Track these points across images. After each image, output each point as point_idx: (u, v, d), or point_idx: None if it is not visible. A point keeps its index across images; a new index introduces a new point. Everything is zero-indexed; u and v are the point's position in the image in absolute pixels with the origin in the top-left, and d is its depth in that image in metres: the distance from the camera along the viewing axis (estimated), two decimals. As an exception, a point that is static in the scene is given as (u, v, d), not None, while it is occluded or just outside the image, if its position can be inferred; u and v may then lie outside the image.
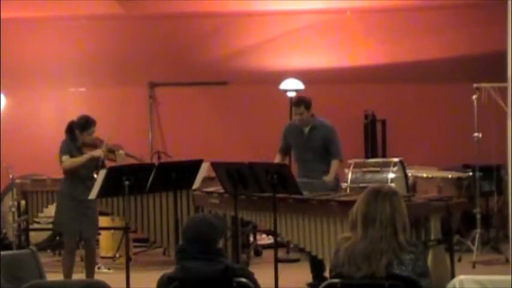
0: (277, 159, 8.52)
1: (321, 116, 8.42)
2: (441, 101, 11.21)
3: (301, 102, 8.31)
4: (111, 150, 8.11)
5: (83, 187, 7.85)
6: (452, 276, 6.66)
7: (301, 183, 7.74)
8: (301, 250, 8.20)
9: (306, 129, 8.34)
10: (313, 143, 8.31)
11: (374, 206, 4.29)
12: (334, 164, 8.24)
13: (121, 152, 8.22)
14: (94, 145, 7.97)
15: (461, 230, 9.78)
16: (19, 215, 9.62)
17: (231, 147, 10.93)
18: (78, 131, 7.90)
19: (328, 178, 8.13)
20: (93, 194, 7.57)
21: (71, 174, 7.94)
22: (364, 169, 9.36)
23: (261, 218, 7.76)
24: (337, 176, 8.40)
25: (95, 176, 7.99)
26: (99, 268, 9.04)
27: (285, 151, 8.62)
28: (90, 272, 8.08)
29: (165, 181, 7.70)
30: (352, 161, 9.48)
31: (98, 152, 7.90)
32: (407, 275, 4.21)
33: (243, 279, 4.37)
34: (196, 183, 8.16)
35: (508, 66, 7.15)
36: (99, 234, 9.91)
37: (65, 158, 7.88)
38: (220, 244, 4.45)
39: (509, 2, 7.14)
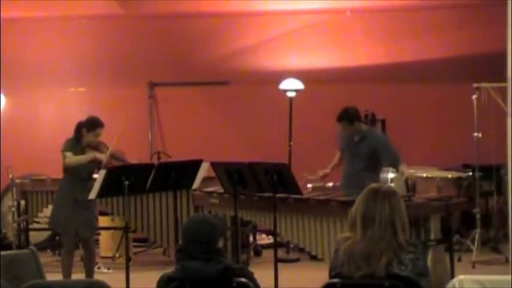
0: (335, 157, 8.37)
1: (320, 116, 8.35)
2: (441, 101, 11.21)
3: (342, 117, 8.00)
4: (116, 157, 8.08)
5: (81, 187, 7.85)
6: (452, 276, 6.66)
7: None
8: (301, 250, 8.19)
9: (357, 138, 8.09)
10: (360, 152, 8.06)
11: (373, 206, 4.29)
12: (402, 168, 7.97)
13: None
14: (98, 148, 7.97)
15: (461, 230, 9.78)
16: (19, 215, 9.62)
17: (231, 147, 10.93)
18: (85, 129, 7.91)
19: (401, 171, 7.94)
20: (93, 194, 7.57)
21: (71, 174, 7.93)
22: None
23: (261, 218, 7.76)
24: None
25: (95, 175, 8.01)
26: (99, 268, 9.05)
27: (342, 152, 8.37)
28: (89, 272, 8.08)
29: (165, 181, 7.70)
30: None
31: (102, 156, 7.86)
32: (406, 274, 4.21)
33: (243, 279, 4.36)
34: (196, 183, 8.16)
35: (508, 66, 7.15)
36: (99, 234, 9.92)
37: (69, 154, 7.88)
38: (220, 244, 4.45)
39: (509, 2, 7.14)
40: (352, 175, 8.06)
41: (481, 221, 9.38)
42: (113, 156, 8.00)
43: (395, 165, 8.12)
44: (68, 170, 7.98)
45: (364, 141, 8.08)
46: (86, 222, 7.96)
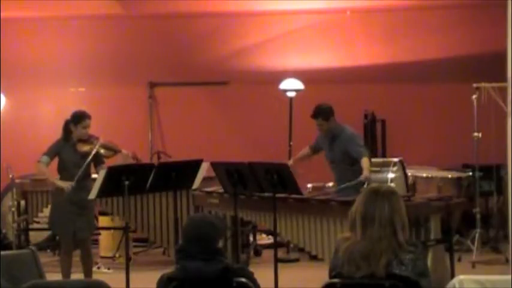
0: (303, 150, 8.47)
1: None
2: (441, 101, 11.20)
3: (318, 114, 8.06)
4: (109, 148, 8.05)
5: (77, 187, 7.82)
6: (452, 276, 6.66)
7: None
8: (301, 250, 8.19)
9: (330, 139, 8.17)
10: (334, 153, 8.16)
11: (373, 206, 4.29)
12: (364, 163, 7.91)
13: (124, 152, 8.20)
14: (88, 141, 7.92)
15: (461, 230, 9.78)
16: (19, 215, 9.61)
17: (231, 147, 10.93)
18: (73, 124, 7.88)
19: (364, 176, 7.81)
20: (93, 194, 7.57)
21: (64, 174, 7.92)
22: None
23: (261, 218, 7.77)
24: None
25: (93, 175, 8.00)
26: (98, 268, 9.06)
27: (314, 150, 8.45)
28: (88, 272, 8.06)
29: (165, 181, 7.69)
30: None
31: (63, 183, 7.82)
32: (407, 274, 4.21)
33: (243, 279, 4.37)
34: (196, 183, 8.16)
35: (508, 66, 7.15)
36: (99, 234, 9.92)
37: (44, 158, 7.89)
38: (220, 244, 4.45)
39: (509, 2, 7.14)
40: (339, 183, 8.15)
41: (481, 221, 9.37)
42: (103, 147, 7.96)
43: (360, 158, 7.98)
44: (59, 170, 7.98)
45: (336, 141, 8.13)
46: (83, 222, 7.92)
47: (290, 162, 8.35)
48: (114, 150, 8.08)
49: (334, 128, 8.15)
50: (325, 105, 8.15)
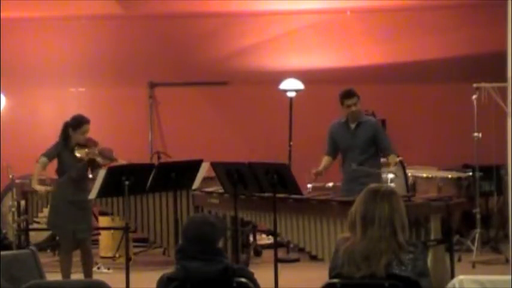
0: (323, 161, 8.08)
1: (320, 116, 8.35)
2: (441, 101, 11.21)
3: (354, 93, 7.88)
4: (105, 156, 8.02)
5: (76, 188, 7.82)
6: (452, 276, 6.67)
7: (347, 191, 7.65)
8: (301, 250, 8.17)
9: (353, 126, 7.96)
10: (359, 140, 7.92)
11: (373, 206, 4.29)
12: (392, 158, 7.89)
13: (121, 161, 8.17)
14: (86, 146, 7.92)
15: (461, 230, 9.78)
16: (19, 215, 9.61)
17: (231, 147, 10.93)
18: (71, 129, 7.88)
19: (389, 170, 7.76)
20: (93, 194, 7.57)
21: (62, 175, 7.92)
22: (364, 169, 9.34)
23: (261, 218, 7.77)
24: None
25: (90, 176, 8.00)
26: (98, 268, 9.05)
27: (333, 154, 8.12)
28: (88, 272, 8.06)
29: (165, 181, 7.70)
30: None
31: (39, 187, 8.09)
32: (407, 275, 4.21)
33: (243, 279, 4.37)
34: (196, 183, 8.16)
35: (508, 66, 7.16)
36: (99, 234, 9.92)
37: (42, 160, 7.91)
38: (220, 244, 4.45)
39: (509, 2, 7.15)
40: (353, 170, 7.90)
41: (481, 221, 9.38)
42: (100, 154, 7.95)
43: (388, 151, 7.97)
44: (58, 170, 7.98)
45: (361, 127, 7.96)
46: (82, 223, 7.92)
47: (320, 170, 8.02)
48: (110, 159, 8.07)
49: (361, 114, 8.05)
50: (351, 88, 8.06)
